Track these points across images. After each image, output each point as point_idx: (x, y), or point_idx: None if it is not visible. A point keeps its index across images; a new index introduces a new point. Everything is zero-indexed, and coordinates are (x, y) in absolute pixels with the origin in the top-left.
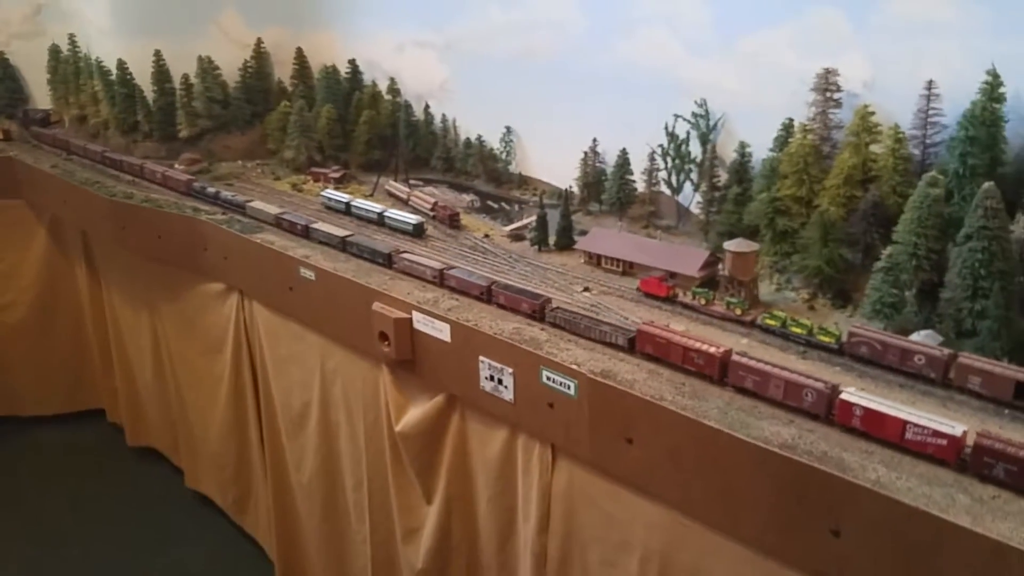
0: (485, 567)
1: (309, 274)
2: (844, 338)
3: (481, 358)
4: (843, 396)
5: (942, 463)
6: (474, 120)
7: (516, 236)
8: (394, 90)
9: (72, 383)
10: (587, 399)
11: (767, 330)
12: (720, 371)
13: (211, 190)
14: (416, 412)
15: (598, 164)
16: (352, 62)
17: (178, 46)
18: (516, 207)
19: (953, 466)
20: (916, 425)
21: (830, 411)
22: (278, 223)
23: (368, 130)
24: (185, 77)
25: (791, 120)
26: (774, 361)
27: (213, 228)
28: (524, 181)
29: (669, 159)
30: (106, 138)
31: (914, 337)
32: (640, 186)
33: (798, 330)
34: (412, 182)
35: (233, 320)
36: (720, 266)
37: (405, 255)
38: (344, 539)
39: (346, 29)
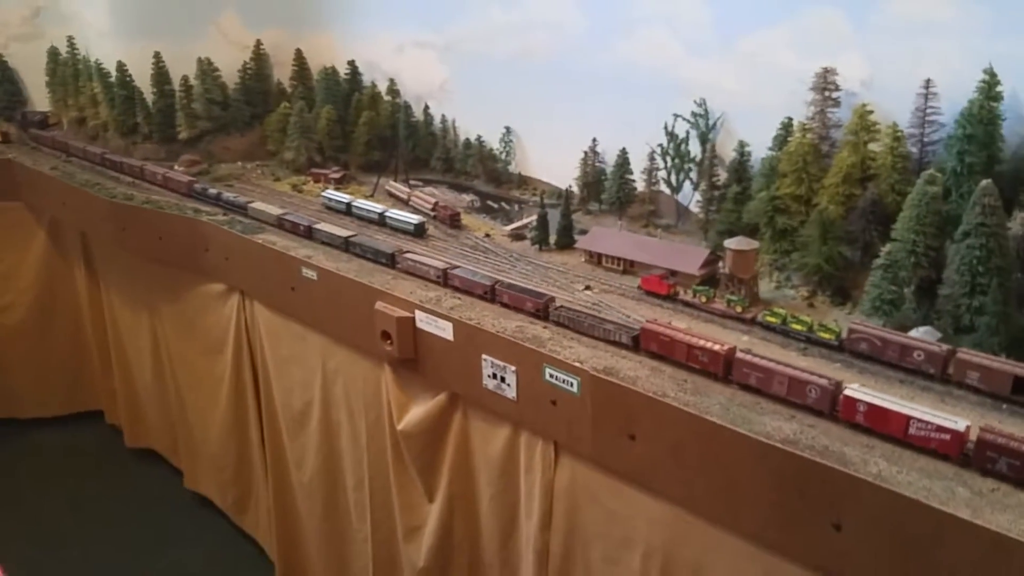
0: (487, 565)
1: (311, 274)
2: (844, 335)
3: (484, 356)
4: (847, 392)
5: (945, 458)
6: (474, 120)
7: (517, 235)
8: (394, 91)
9: (71, 385)
10: (590, 396)
11: (768, 327)
12: (724, 368)
13: (213, 191)
14: (418, 411)
15: (598, 164)
16: (351, 63)
17: (177, 48)
18: (516, 207)
19: (956, 460)
20: (920, 420)
21: (834, 407)
22: (280, 224)
23: (368, 131)
24: (184, 79)
25: (790, 119)
26: (776, 358)
27: (214, 229)
28: (524, 181)
29: (669, 158)
30: (105, 140)
31: (913, 333)
32: (640, 185)
33: (798, 327)
34: (412, 182)
35: (234, 321)
36: (720, 264)
37: (408, 255)
38: (345, 538)
39: (345, 30)
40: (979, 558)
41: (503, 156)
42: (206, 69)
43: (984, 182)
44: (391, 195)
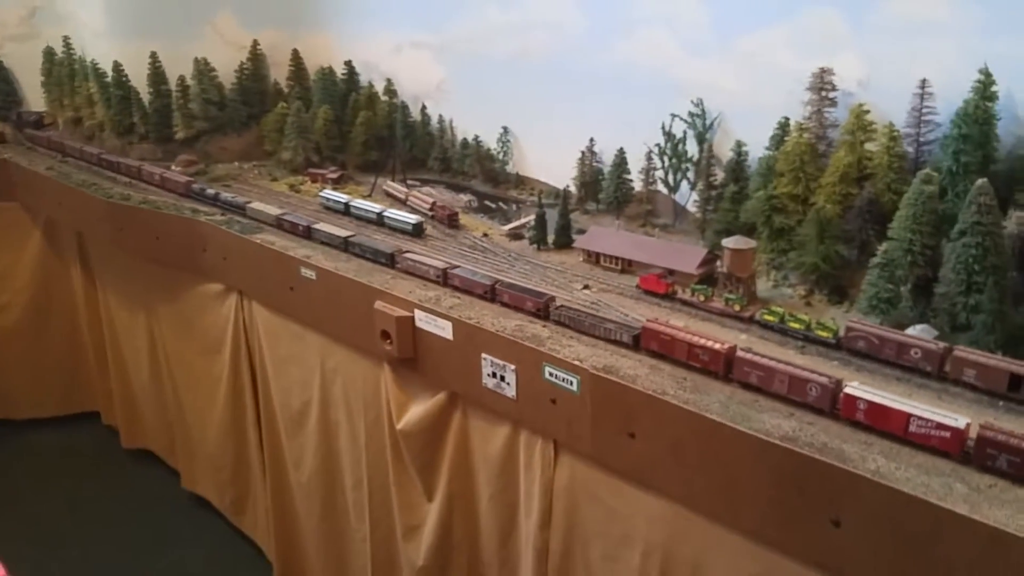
0: (486, 564)
1: (310, 274)
2: (842, 333)
3: (483, 355)
4: (847, 390)
5: (945, 455)
6: (471, 120)
7: (515, 235)
8: (391, 91)
9: (67, 386)
10: (590, 394)
11: (766, 326)
12: (725, 367)
13: (211, 191)
14: (418, 410)
15: (595, 164)
16: (348, 63)
17: (174, 48)
18: (514, 207)
19: (957, 458)
20: (920, 418)
21: (834, 405)
22: (279, 224)
23: (365, 131)
24: (181, 79)
25: (787, 119)
26: (775, 356)
27: (212, 229)
28: (521, 181)
29: (666, 158)
30: (101, 140)
31: (910, 331)
32: (637, 185)
33: (796, 325)
34: (409, 182)
35: (232, 320)
36: (718, 263)
37: (408, 255)
38: (344, 538)
39: (342, 31)
40: (977, 553)
41: (500, 156)
42: (203, 69)
43: (980, 181)
44: (389, 195)
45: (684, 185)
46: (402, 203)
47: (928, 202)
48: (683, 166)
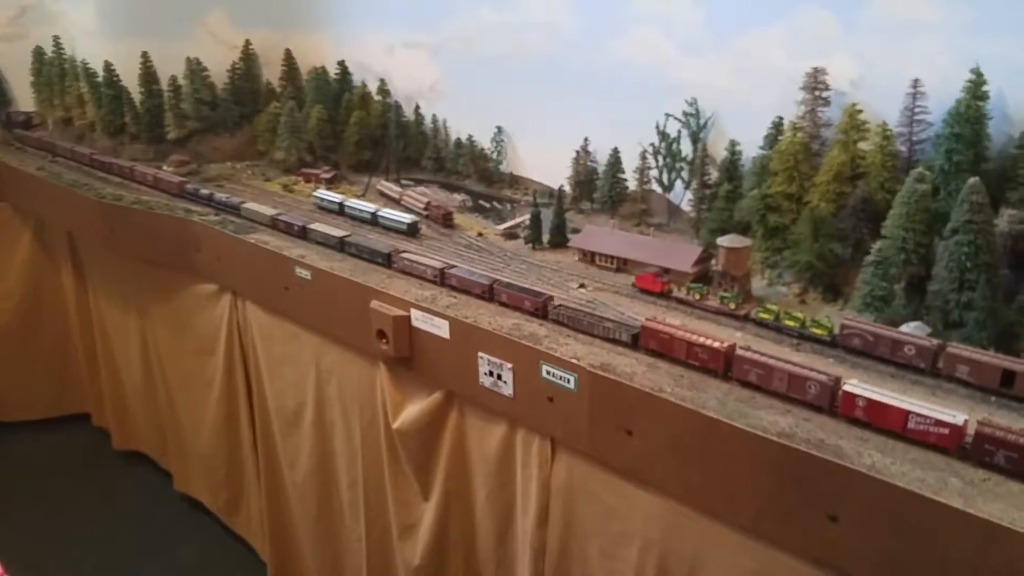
0: (483, 563)
1: (305, 274)
2: (836, 330)
3: (480, 354)
4: (846, 388)
5: (943, 451)
6: (465, 120)
7: (510, 234)
8: (384, 91)
9: (57, 387)
10: (587, 392)
11: (761, 324)
12: (725, 365)
13: (205, 192)
14: (414, 409)
15: (590, 163)
16: (341, 63)
17: (165, 48)
18: (508, 206)
19: (955, 454)
20: (918, 415)
21: (833, 403)
22: (274, 224)
23: (358, 131)
24: (173, 79)
25: (781, 118)
26: (772, 354)
27: (206, 229)
28: (515, 180)
29: (660, 158)
30: (92, 140)
31: (903, 329)
32: (632, 184)
33: (791, 323)
34: (403, 182)
35: (226, 321)
36: (713, 262)
37: (405, 255)
38: (339, 538)
39: (335, 31)
40: (971, 546)
41: (494, 155)
42: (195, 69)
43: (971, 180)
44: (383, 195)
45: (678, 184)
46: (396, 203)
47: (921, 200)
48: (677, 165)
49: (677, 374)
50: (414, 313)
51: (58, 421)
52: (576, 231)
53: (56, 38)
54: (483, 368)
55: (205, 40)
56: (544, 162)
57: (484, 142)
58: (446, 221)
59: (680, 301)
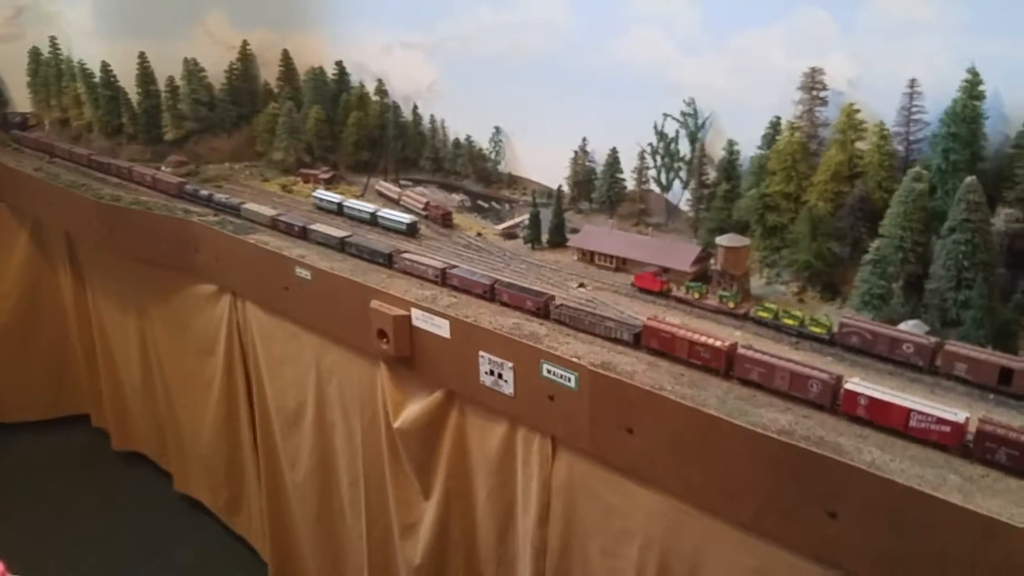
0: (484, 561)
1: (305, 274)
2: (835, 329)
3: (481, 353)
4: (848, 386)
5: (944, 449)
6: (463, 120)
7: (509, 234)
8: (382, 91)
9: (56, 388)
10: (588, 391)
11: (760, 322)
12: (726, 364)
13: (204, 193)
14: (414, 408)
15: (588, 163)
16: (339, 63)
17: (163, 48)
18: (506, 206)
19: (956, 451)
20: (920, 413)
21: (835, 401)
22: (274, 225)
23: (356, 131)
24: (170, 79)
25: (779, 118)
26: (774, 352)
27: (205, 229)
28: (513, 180)
29: (658, 157)
30: (89, 141)
31: (902, 327)
32: (630, 184)
33: (790, 322)
34: (402, 182)
35: (225, 321)
36: (712, 261)
37: (406, 255)
38: (339, 537)
39: (333, 31)
40: (970, 541)
41: (493, 156)
42: (192, 69)
43: (968, 179)
44: (381, 195)
45: (677, 184)
46: (395, 203)
47: (918, 200)
48: (676, 165)
49: (677, 372)
50: (414, 313)
51: (57, 422)
52: (575, 231)
53: (53, 38)
54: (484, 367)
55: (202, 40)
56: (542, 162)
57: (482, 142)
58: (445, 221)
59: (679, 300)
